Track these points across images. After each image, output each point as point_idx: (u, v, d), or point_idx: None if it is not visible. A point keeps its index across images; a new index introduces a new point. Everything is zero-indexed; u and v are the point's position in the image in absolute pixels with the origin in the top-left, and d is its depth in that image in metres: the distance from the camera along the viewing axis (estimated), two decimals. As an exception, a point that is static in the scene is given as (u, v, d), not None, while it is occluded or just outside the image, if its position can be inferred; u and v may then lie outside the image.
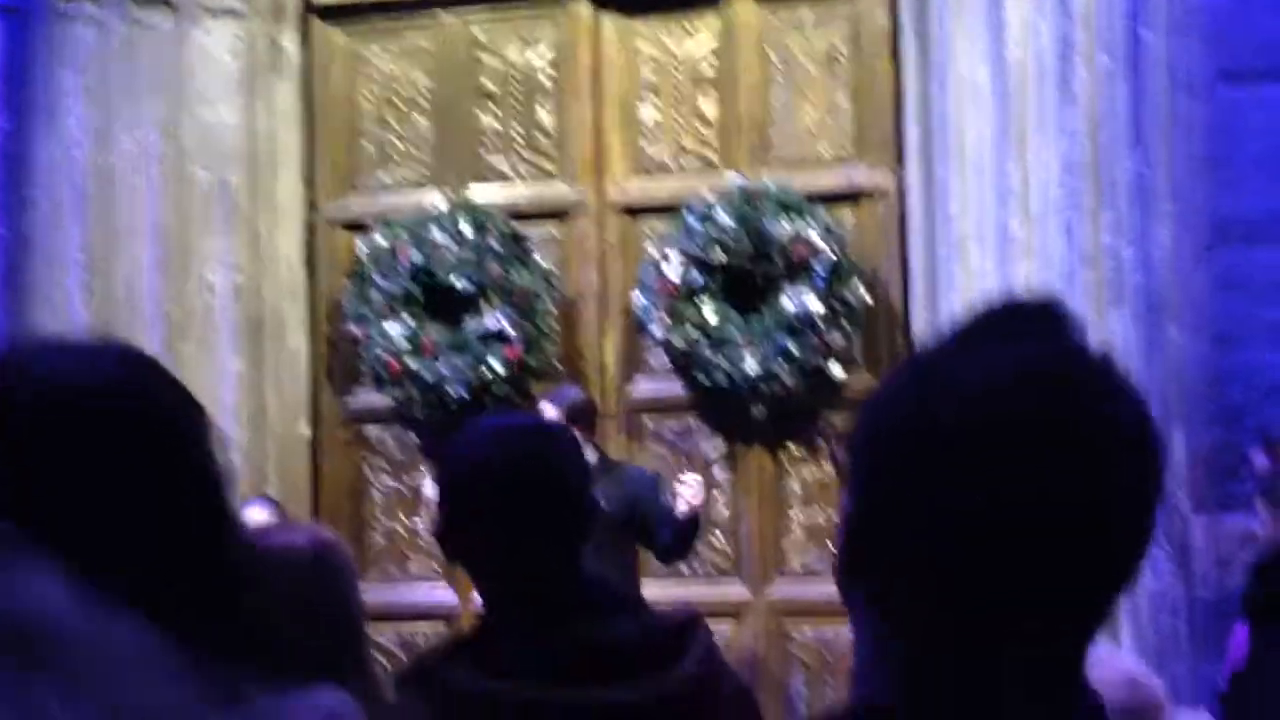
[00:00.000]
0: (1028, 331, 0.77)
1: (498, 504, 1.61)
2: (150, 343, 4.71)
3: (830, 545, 4.81)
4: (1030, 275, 4.07)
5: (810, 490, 4.84)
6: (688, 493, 4.11)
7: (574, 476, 1.68)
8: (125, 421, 0.89)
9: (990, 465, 0.71)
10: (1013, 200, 4.06)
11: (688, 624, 1.65)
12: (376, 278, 4.90)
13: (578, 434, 3.89)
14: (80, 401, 0.88)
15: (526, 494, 1.61)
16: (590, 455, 4.16)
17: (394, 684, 1.62)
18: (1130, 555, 0.75)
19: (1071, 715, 0.77)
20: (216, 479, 0.92)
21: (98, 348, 0.94)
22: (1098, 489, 0.72)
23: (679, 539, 4.20)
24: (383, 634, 4.85)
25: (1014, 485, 0.71)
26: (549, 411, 4.05)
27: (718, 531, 4.89)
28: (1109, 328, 3.87)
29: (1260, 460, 3.11)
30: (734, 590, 4.85)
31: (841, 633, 4.80)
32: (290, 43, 5.08)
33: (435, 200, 4.95)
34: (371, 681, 1.84)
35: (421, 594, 5.04)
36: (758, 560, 4.86)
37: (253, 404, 4.94)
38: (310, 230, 5.13)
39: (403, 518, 5.14)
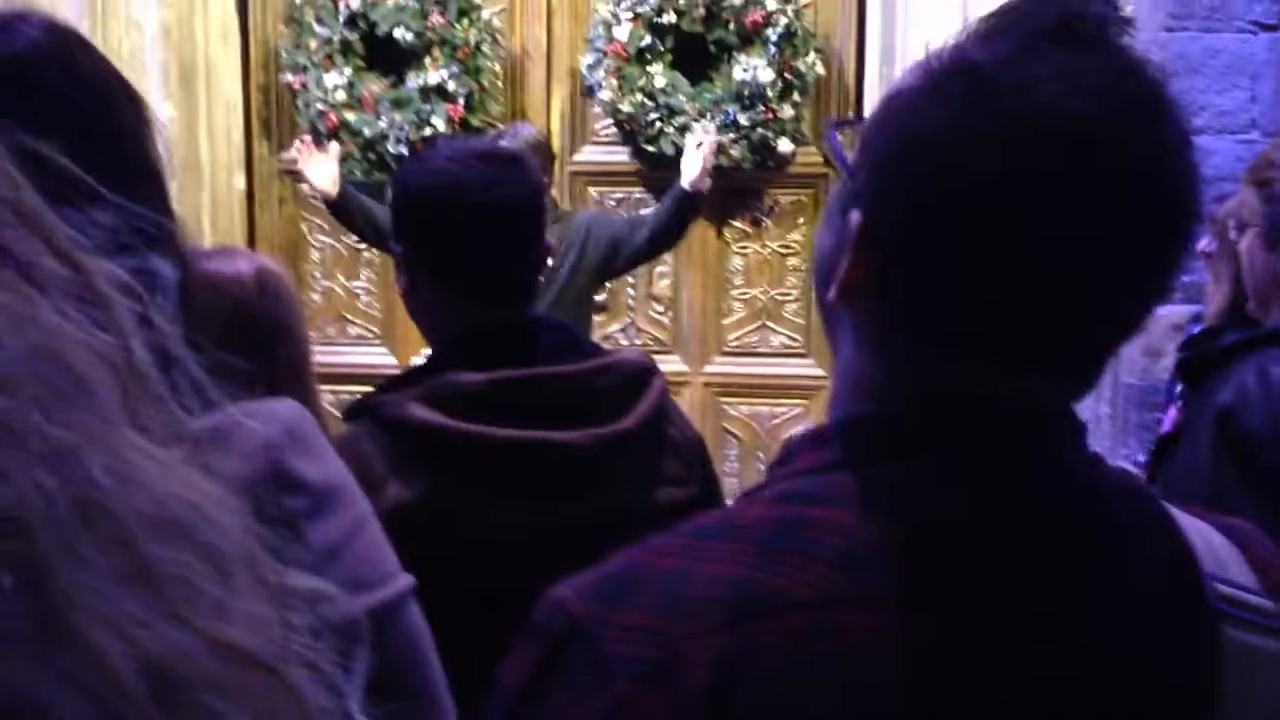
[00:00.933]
0: (1080, 37, 0.70)
1: (467, 221, 1.55)
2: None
3: (769, 323, 4.80)
4: (988, 51, 3.92)
5: (752, 268, 4.79)
6: (700, 154, 3.77)
7: (538, 205, 1.61)
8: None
9: (1034, 184, 0.68)
10: (976, -31, 3.87)
11: (645, 369, 1.62)
12: (313, 24, 4.68)
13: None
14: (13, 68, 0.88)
15: (495, 214, 1.54)
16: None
17: (342, 417, 1.58)
18: (1155, 289, 0.74)
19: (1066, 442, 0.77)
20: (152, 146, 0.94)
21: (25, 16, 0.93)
22: (1138, 214, 0.70)
23: (678, 215, 3.81)
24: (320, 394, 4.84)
25: (1056, 205, 0.68)
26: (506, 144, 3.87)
27: (658, 305, 4.86)
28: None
29: (1209, 246, 3.06)
30: (673, 365, 4.85)
31: (776, 410, 4.84)
32: None
33: (376, -57, 4.68)
34: (316, 409, 1.80)
35: (360, 356, 5.00)
36: (697, 335, 4.85)
37: (185, 152, 4.76)
38: (243, -32, 4.85)
39: (341, 278, 5.06)
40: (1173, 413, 2.90)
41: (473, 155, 1.58)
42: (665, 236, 3.84)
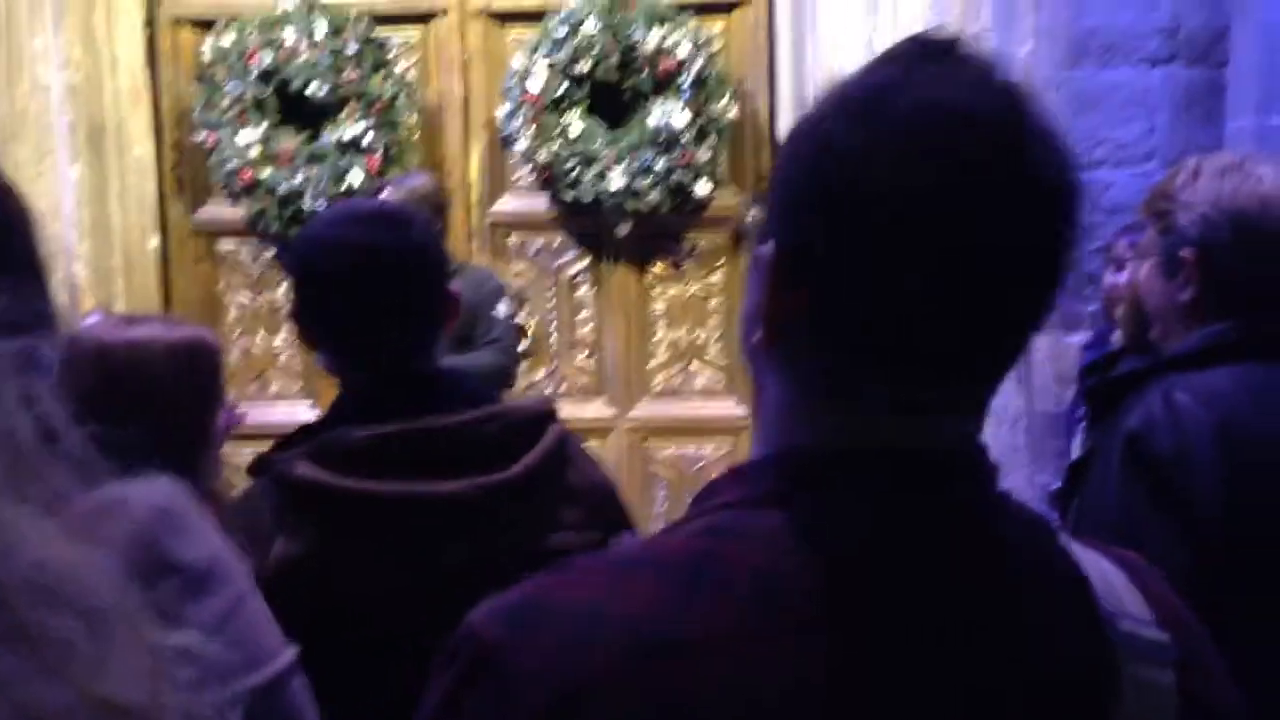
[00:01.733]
0: (948, 69, 0.76)
1: (346, 285, 1.57)
2: (-20, 146, 4.43)
3: (692, 364, 4.84)
4: (895, 92, 4.03)
5: (674, 310, 4.83)
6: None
7: (426, 261, 1.62)
8: None
9: (930, 186, 0.72)
10: (880, 11, 3.99)
11: (541, 416, 1.63)
12: (225, 81, 4.65)
13: None
14: None
15: (376, 275, 1.56)
16: None
17: (246, 473, 1.60)
18: (1045, 302, 0.77)
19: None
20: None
21: None
22: (1024, 231, 0.74)
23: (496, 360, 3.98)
24: (241, 453, 4.76)
25: (951, 206, 0.72)
26: (386, 193, 3.90)
27: (582, 350, 4.88)
28: (969, 147, 3.87)
29: (1111, 278, 3.17)
30: (597, 410, 4.87)
31: (702, 450, 4.88)
32: None
33: (286, 0, 4.67)
34: (215, 476, 1.83)
35: (281, 414, 4.93)
36: (621, 379, 4.88)
37: (96, 214, 4.69)
38: (151, 27, 4.81)
39: (261, 334, 5.00)
40: (1079, 439, 2.99)
41: (354, 217, 1.62)
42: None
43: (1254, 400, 1.70)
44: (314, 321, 1.61)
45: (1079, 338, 3.93)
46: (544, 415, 1.63)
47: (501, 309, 4.05)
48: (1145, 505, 1.66)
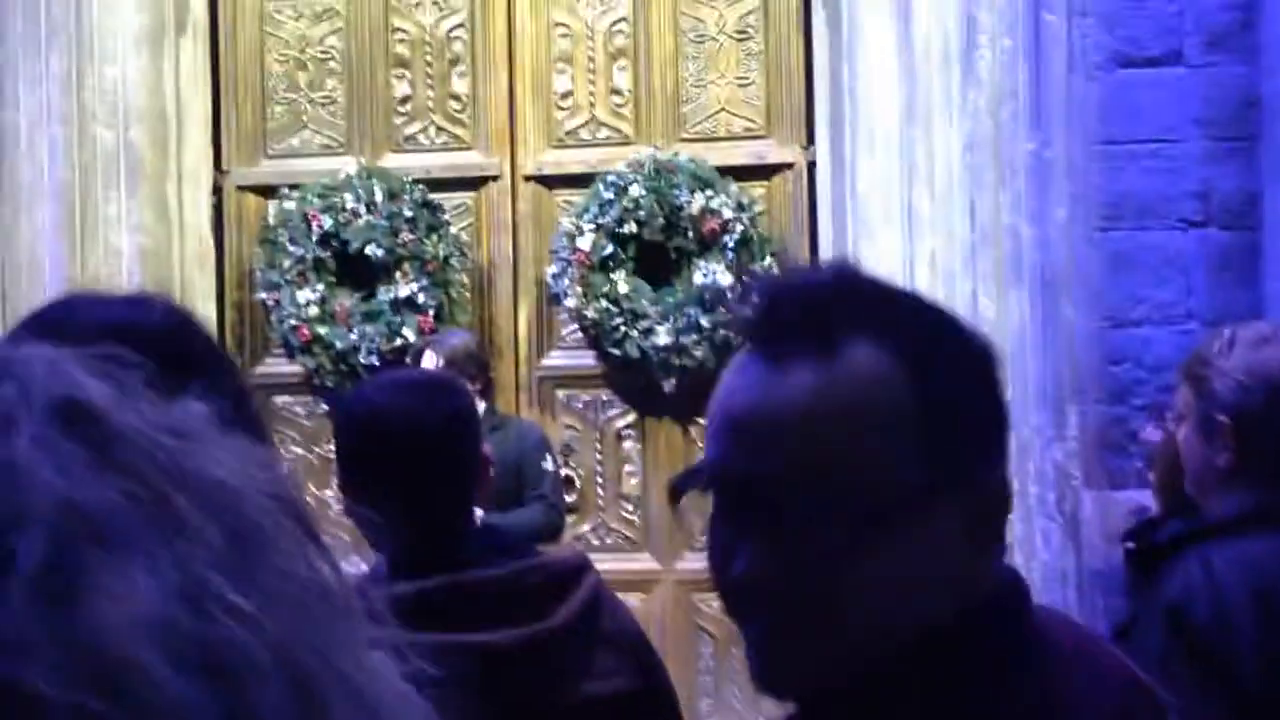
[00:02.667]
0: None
1: (385, 451, 1.66)
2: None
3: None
4: (935, 252, 4.13)
5: (719, 463, 4.87)
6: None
7: (460, 427, 1.72)
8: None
9: None
10: (918, 178, 4.11)
11: (575, 568, 1.69)
12: (287, 244, 4.84)
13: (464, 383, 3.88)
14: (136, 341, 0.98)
15: (413, 442, 1.66)
16: (481, 407, 4.13)
17: None
18: None
19: None
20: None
21: (139, 299, 1.08)
22: None
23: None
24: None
25: None
26: (429, 358, 4.01)
27: (627, 504, 4.92)
28: (1008, 306, 3.94)
29: (1150, 433, 3.18)
30: (643, 563, 4.88)
31: (748, 604, 4.85)
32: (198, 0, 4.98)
33: (347, 166, 4.90)
34: None
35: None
36: (666, 533, 4.89)
37: (159, 371, 4.86)
38: (218, 194, 5.05)
39: (313, 488, 5.09)
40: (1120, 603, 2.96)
41: (396, 385, 1.75)
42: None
43: None
44: (356, 483, 1.70)
45: (1126, 495, 3.91)
46: (579, 566, 1.70)
47: (547, 463, 4.12)
48: (1187, 675, 1.66)
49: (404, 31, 5.01)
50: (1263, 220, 3.52)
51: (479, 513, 1.99)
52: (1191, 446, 1.91)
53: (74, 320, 1.00)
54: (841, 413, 0.80)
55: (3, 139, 4.60)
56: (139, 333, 0.99)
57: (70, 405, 0.37)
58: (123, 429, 0.37)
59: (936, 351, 0.84)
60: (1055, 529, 3.87)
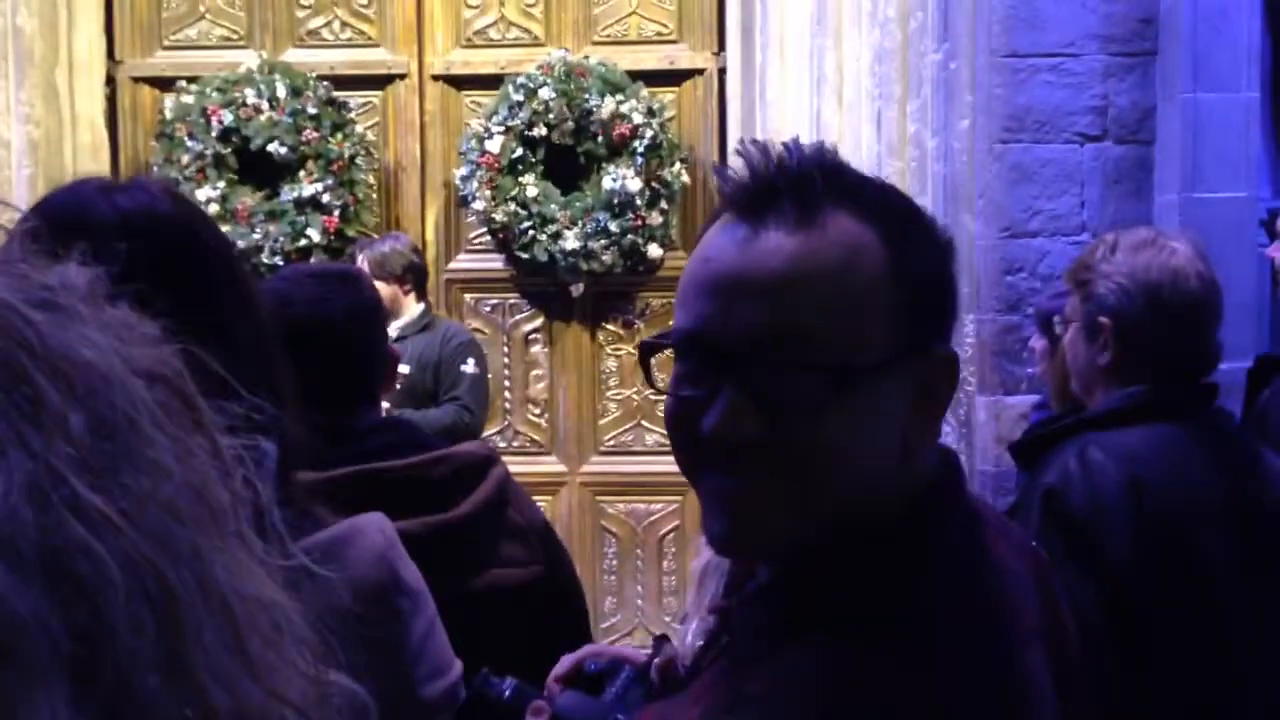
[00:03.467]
0: None
1: (293, 342, 1.66)
2: (-63, 198, 4.45)
3: (643, 422, 4.93)
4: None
5: (625, 369, 4.93)
6: None
7: (363, 320, 1.73)
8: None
9: None
10: (827, 87, 4.15)
11: (483, 461, 1.73)
12: (185, 139, 4.72)
13: (391, 289, 3.90)
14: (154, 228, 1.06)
15: (315, 332, 1.67)
16: (414, 309, 4.15)
17: None
18: None
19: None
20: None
21: (143, 187, 1.11)
22: None
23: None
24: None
25: None
26: (360, 261, 4.05)
27: (534, 408, 4.95)
28: (911, 215, 4.02)
29: (1035, 341, 3.30)
30: (550, 465, 4.93)
31: (652, 507, 4.95)
32: (90, -119, 4.76)
33: (247, 60, 4.76)
34: None
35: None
36: (574, 437, 4.95)
37: (51, 267, 4.72)
38: (111, 85, 4.88)
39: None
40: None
41: (305, 274, 1.77)
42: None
43: (1164, 458, 1.81)
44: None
45: (1018, 399, 4.06)
46: (486, 459, 1.73)
47: (469, 366, 4.15)
48: (1061, 551, 1.76)
49: (308, -78, 4.86)
50: (1155, 134, 3.64)
51: (385, 406, 2.01)
52: (1076, 347, 2.00)
53: (85, 218, 1.03)
54: (821, 274, 0.84)
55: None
56: (157, 218, 1.05)
57: None
58: None
59: (909, 229, 0.89)
60: (949, 432, 4.01)
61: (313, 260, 4.67)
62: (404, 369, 3.90)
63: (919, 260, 0.88)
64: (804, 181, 0.87)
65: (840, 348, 0.83)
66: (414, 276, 4.17)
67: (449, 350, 4.11)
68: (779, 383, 0.83)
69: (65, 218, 1.04)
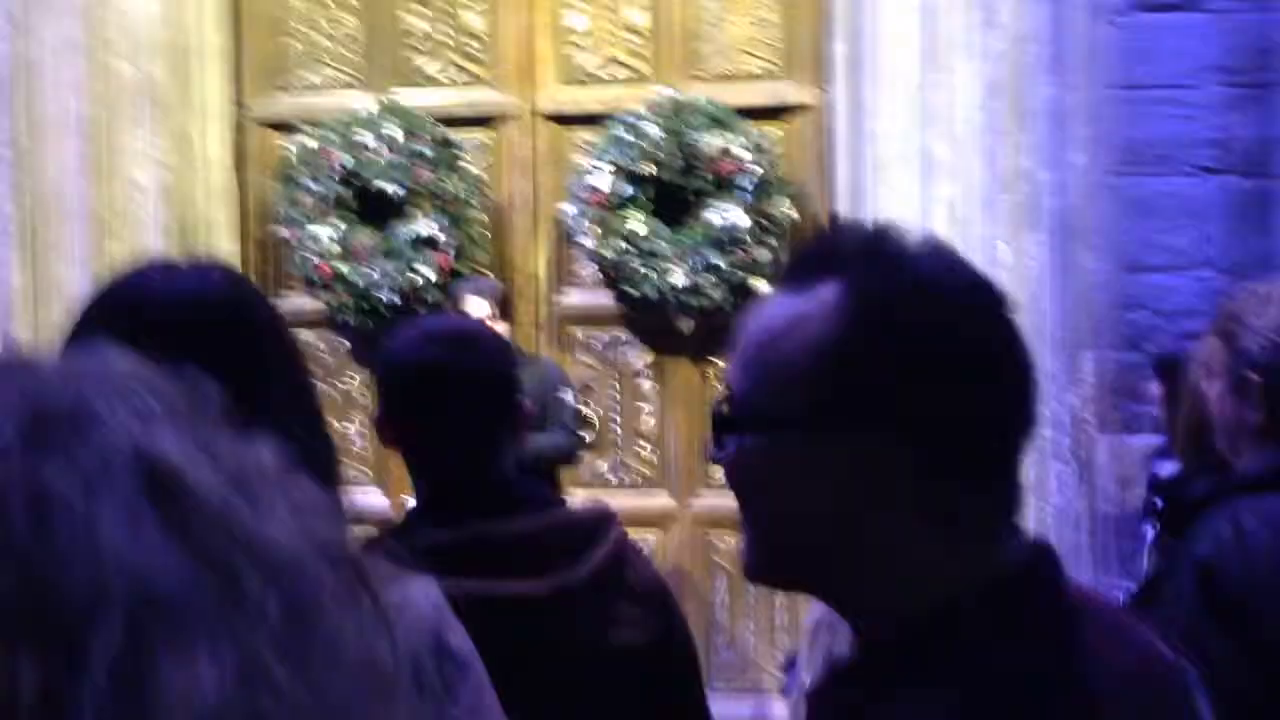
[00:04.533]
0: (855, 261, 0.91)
1: (421, 402, 1.72)
2: (79, 242, 4.67)
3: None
4: (952, 197, 4.11)
5: (735, 402, 4.90)
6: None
7: (499, 378, 1.77)
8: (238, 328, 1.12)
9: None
10: (936, 122, 4.08)
11: (600, 521, 1.76)
12: (306, 180, 4.87)
13: (492, 313, 4.05)
14: (201, 315, 1.11)
15: (449, 393, 1.72)
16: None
17: None
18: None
19: None
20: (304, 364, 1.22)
21: (202, 268, 1.17)
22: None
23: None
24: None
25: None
26: (471, 300, 4.17)
27: (644, 442, 4.97)
28: (1025, 251, 3.93)
29: (1153, 387, 3.20)
30: (660, 500, 4.94)
31: (761, 541, 4.91)
32: (217, -65, 4.96)
33: (365, 103, 4.90)
34: None
35: (353, 498, 5.08)
36: (683, 471, 4.95)
37: (181, 306, 4.91)
38: (238, 130, 5.06)
39: (334, 422, 5.17)
40: (1147, 550, 2.99)
41: (438, 334, 1.80)
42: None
43: None
44: (396, 433, 1.77)
45: (1141, 439, 3.93)
46: (604, 519, 1.76)
47: (567, 395, 4.31)
48: (1214, 632, 1.68)
49: (421, -33, 4.98)
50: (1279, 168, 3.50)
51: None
52: (1222, 403, 1.91)
53: (146, 298, 1.10)
54: (782, 331, 0.90)
55: (26, 72, 4.62)
56: (204, 305, 1.11)
57: (151, 470, 0.38)
58: (199, 496, 0.38)
59: (897, 293, 0.89)
60: (1069, 473, 3.90)
61: (428, 300, 4.78)
62: None
63: (894, 340, 0.87)
64: (812, 256, 0.96)
65: (790, 401, 0.89)
66: (502, 305, 4.42)
67: (548, 384, 4.31)
68: (742, 428, 0.93)
69: (126, 298, 1.12)
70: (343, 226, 4.84)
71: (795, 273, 0.95)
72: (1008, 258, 3.94)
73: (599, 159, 4.69)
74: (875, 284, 0.90)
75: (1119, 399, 3.85)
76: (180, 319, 1.09)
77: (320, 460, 1.14)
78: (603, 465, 4.96)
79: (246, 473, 0.41)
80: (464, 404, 1.71)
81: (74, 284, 4.67)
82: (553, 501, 1.83)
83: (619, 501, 5.01)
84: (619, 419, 4.96)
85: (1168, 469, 3.01)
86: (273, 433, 0.47)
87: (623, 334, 4.96)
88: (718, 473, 5.15)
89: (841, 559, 0.91)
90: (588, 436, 4.61)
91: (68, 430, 0.38)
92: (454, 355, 1.73)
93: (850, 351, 0.88)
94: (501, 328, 4.06)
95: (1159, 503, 2.06)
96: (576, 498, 4.48)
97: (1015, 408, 0.91)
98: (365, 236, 4.85)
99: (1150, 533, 2.86)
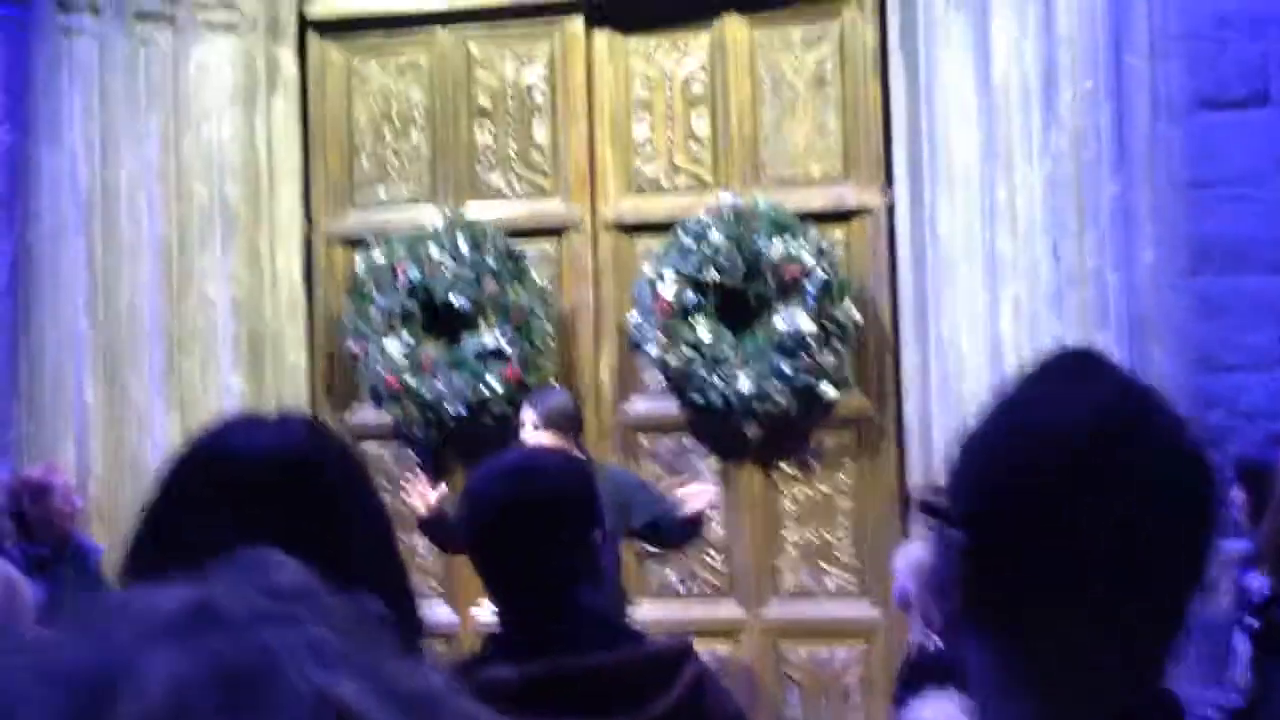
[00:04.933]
0: (1085, 375, 0.92)
1: (495, 536, 1.76)
2: (152, 359, 4.78)
3: (822, 564, 4.81)
4: (1018, 296, 4.06)
5: (803, 509, 4.83)
6: (697, 499, 4.14)
7: (572, 509, 1.80)
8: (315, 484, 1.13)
9: (1108, 492, 0.86)
10: (999, 220, 4.05)
11: (679, 655, 1.76)
12: (375, 294, 4.95)
13: (561, 440, 3.98)
14: (280, 473, 1.12)
15: (521, 527, 1.75)
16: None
17: None
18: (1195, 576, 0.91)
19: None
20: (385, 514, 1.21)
21: (285, 423, 1.19)
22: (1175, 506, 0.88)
23: (678, 535, 4.21)
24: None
25: (1127, 508, 0.86)
26: (528, 416, 4.09)
27: (712, 551, 4.90)
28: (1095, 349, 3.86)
29: (1236, 494, 3.10)
30: (729, 610, 4.85)
31: (835, 653, 4.80)
32: (288, 59, 5.13)
33: (432, 217, 4.99)
34: None
35: (423, 613, 5.06)
36: (752, 580, 4.87)
37: (252, 419, 4.98)
38: (309, 246, 5.18)
39: (401, 535, 5.16)
40: (1240, 663, 2.87)
41: (510, 471, 1.83)
42: (660, 543, 4.31)
43: None
44: (476, 565, 1.81)
45: (1227, 544, 3.79)
46: (683, 653, 1.76)
47: (649, 489, 4.24)
48: None
49: (485, 83, 5.11)
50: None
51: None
52: None
53: (227, 456, 1.13)
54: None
55: (106, 196, 4.78)
56: (286, 461, 1.13)
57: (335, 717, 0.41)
58: None
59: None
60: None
61: (495, 411, 4.79)
62: None
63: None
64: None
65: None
66: (576, 427, 4.24)
67: (630, 487, 4.17)
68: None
69: (208, 454, 1.15)
70: (410, 339, 4.90)
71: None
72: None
73: (663, 266, 4.72)
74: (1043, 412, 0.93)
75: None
76: (259, 478, 1.11)
77: (405, 618, 1.14)
78: (670, 574, 4.89)
79: (419, 698, 0.43)
80: (536, 537, 1.73)
81: (146, 400, 4.77)
82: (630, 633, 1.83)
83: (687, 613, 4.94)
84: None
85: (1257, 582, 2.90)
86: (353, 593, 0.48)
87: (688, 441, 4.92)
88: (787, 580, 5.08)
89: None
90: (651, 556, 4.52)
91: (256, 689, 0.40)
92: (526, 488, 1.76)
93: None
94: (545, 438, 3.97)
95: (1255, 623, 1.97)
96: (643, 606, 4.42)
97: (1161, 551, 0.90)
98: (432, 349, 4.90)
99: (1244, 650, 2.75)
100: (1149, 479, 0.87)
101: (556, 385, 4.65)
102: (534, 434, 4.09)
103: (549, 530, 1.76)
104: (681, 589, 4.87)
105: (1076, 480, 0.87)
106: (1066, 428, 0.88)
